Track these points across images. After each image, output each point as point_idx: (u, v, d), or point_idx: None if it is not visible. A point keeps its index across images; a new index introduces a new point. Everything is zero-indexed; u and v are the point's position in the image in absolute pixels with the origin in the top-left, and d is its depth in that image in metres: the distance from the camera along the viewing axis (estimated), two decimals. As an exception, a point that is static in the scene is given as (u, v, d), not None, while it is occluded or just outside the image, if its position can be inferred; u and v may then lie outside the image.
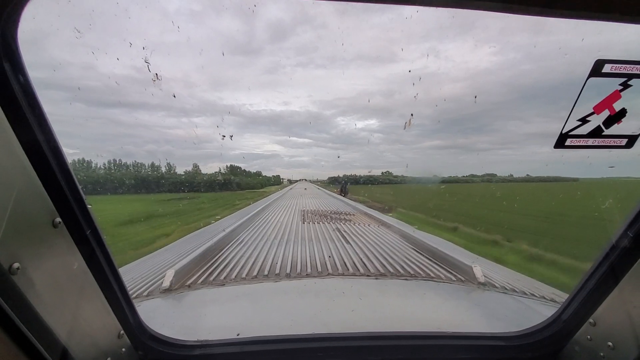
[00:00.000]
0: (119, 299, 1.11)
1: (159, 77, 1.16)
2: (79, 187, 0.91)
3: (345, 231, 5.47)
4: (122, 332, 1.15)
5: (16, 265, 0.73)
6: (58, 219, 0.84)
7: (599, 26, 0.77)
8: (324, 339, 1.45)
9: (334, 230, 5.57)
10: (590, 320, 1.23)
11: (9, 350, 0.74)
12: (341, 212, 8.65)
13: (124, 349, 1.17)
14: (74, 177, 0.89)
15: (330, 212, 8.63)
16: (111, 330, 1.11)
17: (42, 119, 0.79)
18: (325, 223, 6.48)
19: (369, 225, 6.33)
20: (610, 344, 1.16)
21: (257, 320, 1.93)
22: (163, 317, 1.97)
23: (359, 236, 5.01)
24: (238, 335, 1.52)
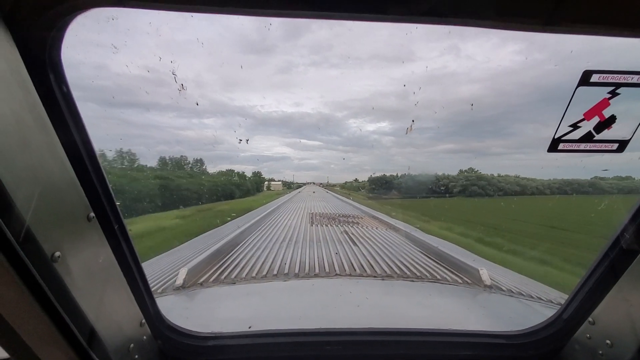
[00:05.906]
0: (141, 290, 1.20)
1: (184, 87, 1.26)
2: (109, 185, 1.01)
3: (352, 234, 5.52)
4: (143, 321, 1.24)
5: (57, 254, 0.82)
6: (92, 214, 0.94)
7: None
8: (331, 333, 1.51)
9: (341, 232, 5.63)
10: (590, 319, 1.27)
11: (46, 328, 0.83)
12: (349, 215, 8.70)
13: (145, 337, 1.26)
14: (106, 176, 0.99)
15: (338, 215, 8.70)
16: (134, 319, 1.20)
17: (79, 123, 0.89)
18: (333, 226, 6.54)
19: (376, 228, 6.37)
20: (608, 342, 1.20)
21: (267, 314, 2.01)
22: (178, 311, 2.07)
23: (366, 239, 5.05)
24: (250, 328, 1.60)
